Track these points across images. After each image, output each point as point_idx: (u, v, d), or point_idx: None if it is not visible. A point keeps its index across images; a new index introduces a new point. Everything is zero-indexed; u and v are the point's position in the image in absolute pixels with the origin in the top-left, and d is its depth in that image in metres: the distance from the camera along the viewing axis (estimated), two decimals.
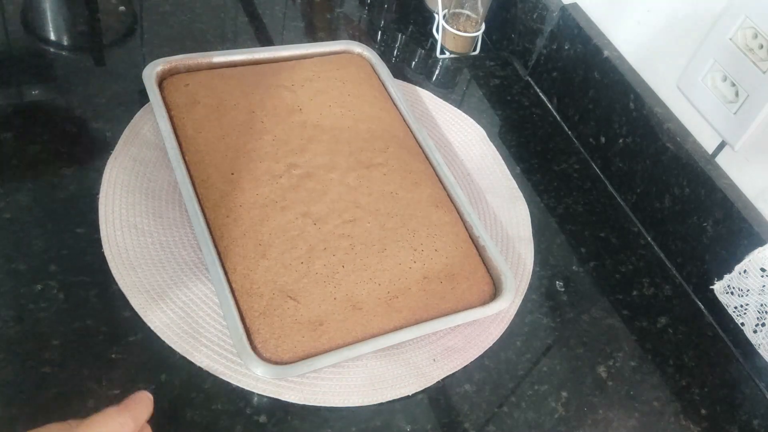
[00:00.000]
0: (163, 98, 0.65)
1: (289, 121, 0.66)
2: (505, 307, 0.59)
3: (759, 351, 0.60)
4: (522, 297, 0.62)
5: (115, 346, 0.51)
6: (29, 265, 0.54)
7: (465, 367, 0.56)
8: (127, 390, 0.48)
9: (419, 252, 0.59)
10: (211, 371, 0.51)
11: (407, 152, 0.66)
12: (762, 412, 0.60)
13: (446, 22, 0.83)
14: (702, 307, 0.66)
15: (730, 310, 0.61)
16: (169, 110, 0.64)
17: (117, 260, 0.55)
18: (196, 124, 0.63)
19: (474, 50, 0.87)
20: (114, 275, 0.54)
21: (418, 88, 0.78)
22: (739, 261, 0.59)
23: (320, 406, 0.51)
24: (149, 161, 0.62)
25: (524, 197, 0.70)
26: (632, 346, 0.62)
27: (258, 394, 0.51)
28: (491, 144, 0.74)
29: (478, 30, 0.84)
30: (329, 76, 0.71)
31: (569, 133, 0.79)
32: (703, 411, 0.59)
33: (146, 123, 0.65)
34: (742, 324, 0.60)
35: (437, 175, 0.66)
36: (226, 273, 0.54)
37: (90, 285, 0.54)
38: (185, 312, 0.53)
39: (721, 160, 0.64)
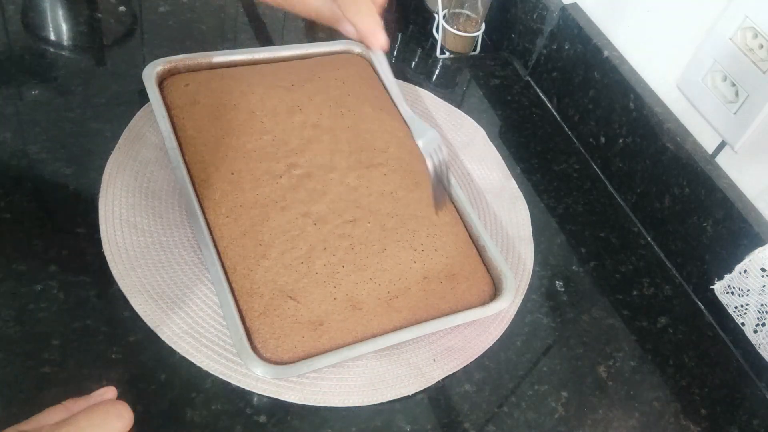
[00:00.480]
0: (163, 98, 0.65)
1: (289, 121, 0.66)
2: (505, 307, 0.59)
3: (759, 351, 0.60)
4: (522, 297, 0.62)
5: (115, 346, 0.51)
6: (29, 265, 0.54)
7: (465, 367, 0.56)
8: (127, 390, 0.48)
9: (419, 252, 0.59)
10: (211, 371, 0.51)
11: (407, 152, 0.66)
12: (762, 412, 0.60)
13: (446, 22, 0.83)
14: (702, 307, 0.66)
15: (730, 310, 0.61)
16: (169, 110, 0.64)
17: (117, 260, 0.55)
18: (196, 124, 0.63)
19: (474, 50, 0.87)
20: (114, 275, 0.54)
21: (418, 88, 0.78)
22: (739, 261, 0.59)
23: (320, 406, 0.51)
24: (149, 161, 0.62)
25: (524, 197, 0.70)
26: (632, 346, 0.62)
27: (258, 394, 0.51)
28: (491, 144, 0.74)
29: (478, 30, 0.84)
30: (329, 76, 0.71)
31: (569, 133, 0.79)
32: (703, 411, 0.59)
33: (146, 123, 0.65)
34: (743, 324, 0.60)
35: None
36: (226, 273, 0.54)
37: (90, 285, 0.54)
38: (185, 312, 0.53)
39: (721, 160, 0.64)
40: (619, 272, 0.67)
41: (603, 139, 0.75)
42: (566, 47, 0.78)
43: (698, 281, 0.66)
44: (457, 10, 0.83)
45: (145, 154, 0.63)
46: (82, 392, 0.47)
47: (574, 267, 0.66)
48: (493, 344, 0.58)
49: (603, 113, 0.74)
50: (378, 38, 0.48)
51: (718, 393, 0.60)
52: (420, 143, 0.53)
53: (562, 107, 0.80)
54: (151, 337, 0.52)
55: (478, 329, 0.58)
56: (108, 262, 0.55)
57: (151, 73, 0.65)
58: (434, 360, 0.55)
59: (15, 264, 0.53)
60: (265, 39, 0.79)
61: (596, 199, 0.73)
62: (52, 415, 0.38)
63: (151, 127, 0.65)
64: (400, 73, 0.80)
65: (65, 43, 0.72)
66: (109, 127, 0.64)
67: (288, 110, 0.66)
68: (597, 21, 0.75)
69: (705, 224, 0.64)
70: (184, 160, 0.61)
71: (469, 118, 0.76)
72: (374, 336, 0.53)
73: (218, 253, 0.55)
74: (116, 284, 0.54)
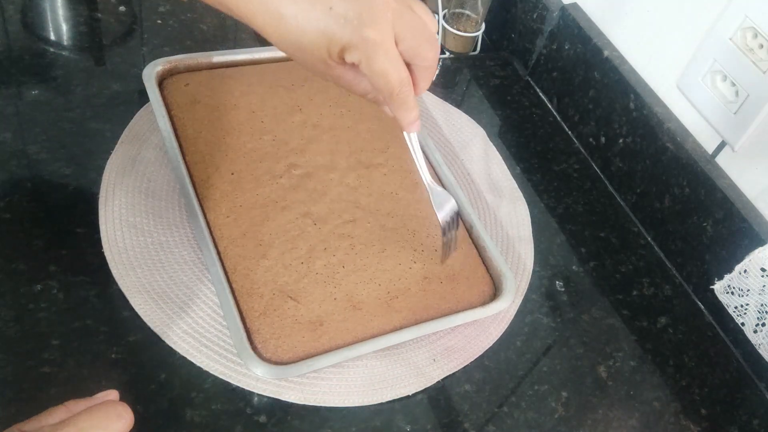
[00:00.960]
0: (163, 98, 0.65)
1: (289, 121, 0.66)
2: (505, 307, 0.59)
3: (759, 351, 0.60)
4: (522, 297, 0.62)
5: (115, 346, 0.51)
6: (29, 265, 0.54)
7: (465, 367, 0.56)
8: (127, 390, 0.48)
9: (419, 252, 0.59)
10: (211, 371, 0.51)
11: (407, 152, 0.66)
12: (762, 412, 0.60)
13: (446, 22, 0.83)
14: (702, 307, 0.66)
15: (730, 310, 0.61)
16: (169, 110, 0.64)
17: (117, 260, 0.55)
18: (196, 124, 0.63)
19: (474, 50, 0.87)
20: (114, 275, 0.54)
21: None
22: (739, 261, 0.59)
23: (320, 406, 0.51)
24: (149, 161, 0.62)
25: (524, 197, 0.70)
26: (632, 346, 0.62)
27: (258, 394, 0.51)
28: (491, 144, 0.74)
29: (478, 30, 0.84)
30: None
31: (569, 133, 0.79)
32: (703, 411, 0.59)
33: (146, 123, 0.65)
34: (743, 324, 0.60)
35: (437, 175, 0.66)
36: (226, 273, 0.54)
37: (90, 285, 0.54)
38: (185, 312, 0.53)
39: (721, 160, 0.64)
40: (619, 272, 0.67)
41: (603, 139, 0.75)
42: (566, 47, 0.78)
43: (698, 281, 0.66)
44: (457, 10, 0.83)
45: (145, 154, 0.63)
46: (82, 392, 0.47)
47: (574, 267, 0.66)
48: (493, 344, 0.58)
49: (603, 113, 0.74)
50: (414, 126, 0.49)
51: (718, 393, 0.60)
52: (440, 216, 0.55)
53: (562, 107, 0.80)
54: (150, 337, 0.52)
55: (478, 329, 0.58)
56: (108, 262, 0.55)
57: (151, 72, 0.65)
58: (434, 360, 0.55)
59: (15, 264, 0.53)
60: (264, 39, 0.79)
61: (596, 199, 0.73)
62: (53, 415, 0.38)
63: (151, 127, 0.65)
64: None
65: (65, 43, 0.72)
66: (109, 127, 0.64)
67: (288, 110, 0.66)
68: (597, 21, 0.75)
69: (705, 224, 0.64)
70: (184, 160, 0.61)
71: (469, 118, 0.76)
72: (374, 336, 0.53)
73: (218, 253, 0.55)
74: (116, 284, 0.54)
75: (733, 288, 0.60)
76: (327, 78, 0.47)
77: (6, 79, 0.66)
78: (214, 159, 0.61)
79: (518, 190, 0.70)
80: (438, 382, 0.55)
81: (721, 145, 0.64)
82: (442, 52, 0.84)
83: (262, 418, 0.50)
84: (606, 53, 0.73)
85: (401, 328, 0.54)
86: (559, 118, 0.81)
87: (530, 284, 0.63)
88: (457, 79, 0.82)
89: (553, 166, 0.75)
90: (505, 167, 0.72)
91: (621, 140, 0.72)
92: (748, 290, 0.58)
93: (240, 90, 0.67)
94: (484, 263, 0.61)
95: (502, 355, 0.58)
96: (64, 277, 0.54)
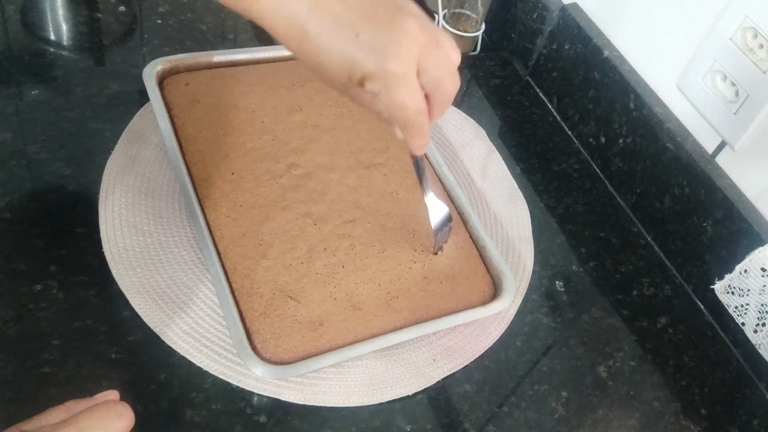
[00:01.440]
0: (164, 98, 0.65)
1: (289, 121, 0.66)
2: (505, 307, 0.59)
3: (759, 351, 0.60)
4: (522, 297, 0.62)
5: (115, 346, 0.51)
6: (29, 265, 0.54)
7: (465, 367, 0.56)
8: (127, 390, 0.48)
9: (419, 252, 0.59)
10: (211, 371, 0.51)
11: (407, 152, 0.66)
12: (762, 412, 0.60)
13: (446, 22, 0.83)
14: (702, 307, 0.66)
15: (730, 310, 0.61)
16: (169, 110, 0.64)
17: (117, 260, 0.55)
18: (196, 124, 0.63)
19: (474, 50, 0.87)
20: (114, 275, 0.54)
21: None
22: (739, 261, 0.59)
23: (320, 406, 0.51)
24: (149, 161, 0.62)
25: (524, 197, 0.70)
26: (632, 346, 0.62)
27: (258, 394, 0.51)
28: (491, 144, 0.74)
29: (478, 30, 0.84)
30: None
31: (569, 133, 0.79)
32: (703, 411, 0.59)
33: (146, 123, 0.65)
34: (743, 324, 0.60)
35: (437, 175, 0.66)
36: (226, 273, 0.54)
37: (90, 285, 0.54)
38: (185, 312, 0.53)
39: (721, 160, 0.64)
40: (619, 272, 0.67)
41: (603, 139, 0.75)
42: (566, 47, 0.78)
43: (698, 281, 0.66)
44: (457, 10, 0.83)
45: (145, 154, 0.63)
46: (82, 392, 0.47)
47: (574, 267, 0.66)
48: (493, 344, 0.58)
49: (603, 113, 0.74)
50: (422, 150, 0.49)
51: (718, 393, 0.60)
52: (433, 224, 0.57)
53: (562, 107, 0.80)
54: (150, 337, 0.52)
55: (478, 329, 0.58)
56: (108, 262, 0.55)
57: (151, 72, 0.65)
58: (434, 360, 0.55)
59: (15, 264, 0.53)
60: (265, 39, 0.79)
61: (596, 199, 0.73)
62: (53, 415, 0.38)
63: (151, 127, 0.65)
64: None
65: (65, 43, 0.72)
66: (109, 127, 0.64)
67: (288, 110, 0.66)
68: (597, 21, 0.75)
69: (705, 224, 0.64)
70: (184, 159, 0.61)
71: (469, 118, 0.76)
72: (374, 336, 0.53)
73: (218, 253, 0.55)
74: (116, 284, 0.54)
75: (734, 288, 0.60)
76: (343, 95, 0.47)
77: (6, 79, 0.66)
78: (214, 159, 0.61)
79: (518, 190, 0.70)
80: (438, 382, 0.55)
81: (721, 145, 0.64)
82: None
83: (262, 418, 0.50)
84: (606, 53, 0.73)
85: (401, 328, 0.54)
86: (559, 118, 0.81)
87: (530, 284, 0.63)
88: None
89: (553, 166, 0.75)
90: (505, 167, 0.72)
91: (621, 140, 0.72)
92: (749, 290, 0.58)
93: (240, 90, 0.67)
94: (484, 263, 0.61)
95: (502, 355, 0.58)
96: (64, 277, 0.54)
